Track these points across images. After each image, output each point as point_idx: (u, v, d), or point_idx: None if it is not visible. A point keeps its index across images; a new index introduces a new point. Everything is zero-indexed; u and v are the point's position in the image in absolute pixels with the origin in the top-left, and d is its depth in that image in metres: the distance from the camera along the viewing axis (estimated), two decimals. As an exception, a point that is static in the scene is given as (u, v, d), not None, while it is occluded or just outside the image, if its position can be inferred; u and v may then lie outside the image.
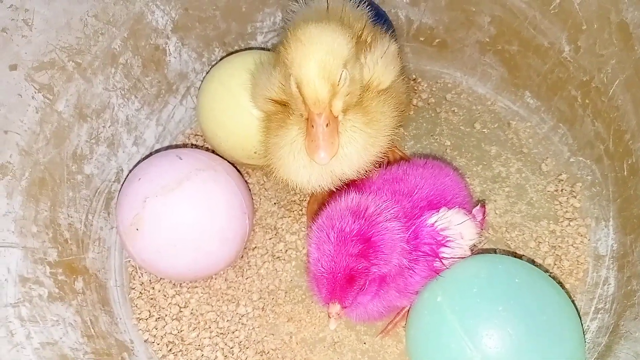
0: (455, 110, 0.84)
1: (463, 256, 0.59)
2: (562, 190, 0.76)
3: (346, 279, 0.53)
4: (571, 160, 0.77)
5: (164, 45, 0.80)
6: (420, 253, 0.57)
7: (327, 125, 0.54)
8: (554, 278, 0.67)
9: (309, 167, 0.59)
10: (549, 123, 0.80)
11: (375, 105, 0.60)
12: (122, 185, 0.72)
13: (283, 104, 0.61)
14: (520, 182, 0.77)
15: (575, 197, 0.75)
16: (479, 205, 0.65)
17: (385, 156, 0.64)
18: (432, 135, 0.82)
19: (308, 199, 0.78)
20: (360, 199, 0.56)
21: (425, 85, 0.87)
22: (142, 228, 0.64)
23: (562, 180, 0.76)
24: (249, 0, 0.83)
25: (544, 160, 0.78)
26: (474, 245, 0.61)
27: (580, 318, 0.58)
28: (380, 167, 0.64)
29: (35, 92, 0.67)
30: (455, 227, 0.58)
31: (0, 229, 0.60)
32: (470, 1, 0.79)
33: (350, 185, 0.61)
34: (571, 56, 0.73)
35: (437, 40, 0.86)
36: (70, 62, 0.70)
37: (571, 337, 0.54)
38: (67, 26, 0.69)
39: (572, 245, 0.72)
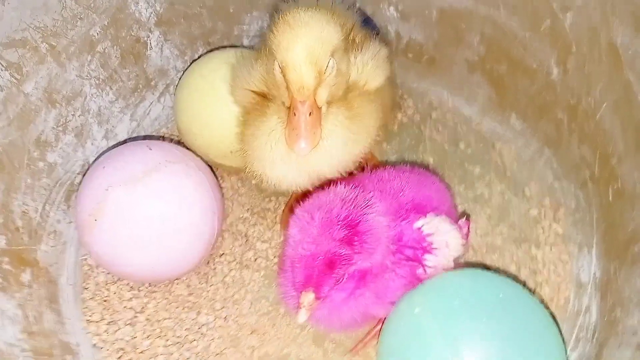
0: (440, 129, 0.82)
1: (446, 267, 0.56)
2: (545, 215, 0.74)
3: (326, 263, 0.50)
4: (555, 185, 0.75)
5: (145, 38, 0.77)
6: (403, 256, 0.54)
7: (309, 114, 0.51)
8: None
9: (287, 160, 0.56)
10: (534, 146, 0.78)
11: (360, 102, 0.58)
12: (87, 169, 0.68)
13: (262, 96, 0.59)
14: (502, 204, 0.75)
15: (558, 222, 0.73)
16: (464, 218, 0.63)
17: (363, 160, 0.61)
18: (415, 152, 0.80)
19: (283, 207, 0.75)
20: (350, 189, 0.54)
21: (411, 102, 0.85)
22: (102, 219, 0.60)
23: (545, 205, 0.74)
24: (239, 1, 0.81)
25: (528, 184, 0.76)
26: (457, 258, 0.58)
27: (563, 340, 0.55)
28: (362, 170, 0.61)
29: (1, 69, 0.63)
30: (442, 234, 0.55)
31: (-57, 207, 0.55)
32: (462, 18, 0.78)
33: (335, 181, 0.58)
34: (559, 78, 0.72)
35: (425, 57, 0.85)
36: (44, 43, 0.67)
37: (554, 354, 0.50)
38: (43, 6, 0.66)
39: (553, 271, 0.69)
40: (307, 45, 0.49)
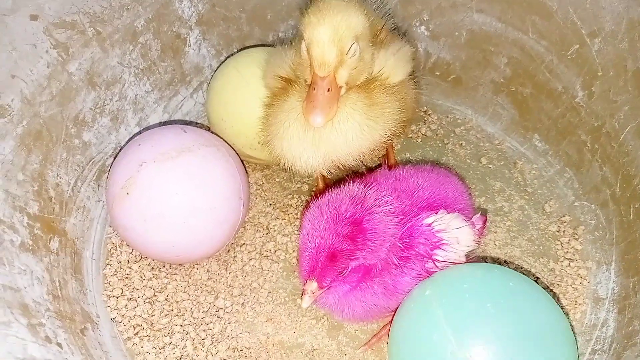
0: (463, 144, 0.84)
1: (457, 261, 0.57)
2: (564, 232, 0.74)
3: (328, 257, 0.52)
4: (575, 204, 0.76)
5: (185, 35, 0.81)
6: (413, 252, 0.56)
7: (328, 90, 0.54)
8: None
9: (303, 139, 0.58)
10: (555, 167, 0.80)
11: (380, 93, 0.60)
12: (119, 150, 0.70)
13: (289, 82, 0.61)
14: (522, 219, 0.76)
15: (577, 239, 0.73)
16: (479, 214, 0.64)
17: (382, 159, 0.62)
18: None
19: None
20: (361, 189, 0.56)
21: (436, 117, 0.87)
22: (133, 192, 0.61)
23: (565, 222, 0.75)
24: (277, 9, 0.84)
25: (548, 201, 0.77)
26: (470, 253, 0.59)
27: (575, 336, 0.55)
28: (380, 166, 0.63)
29: (50, 47, 0.66)
30: (452, 231, 0.57)
31: (-16, 166, 0.57)
32: (490, 41, 0.81)
33: (351, 178, 0.60)
34: (584, 101, 0.74)
35: (452, 77, 0.88)
36: (91, 28, 0.70)
37: (563, 351, 0.50)
38: (95, -7, 0.69)
39: (571, 285, 0.69)
40: (332, 26, 0.53)
